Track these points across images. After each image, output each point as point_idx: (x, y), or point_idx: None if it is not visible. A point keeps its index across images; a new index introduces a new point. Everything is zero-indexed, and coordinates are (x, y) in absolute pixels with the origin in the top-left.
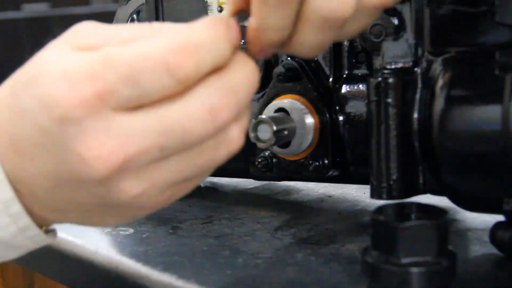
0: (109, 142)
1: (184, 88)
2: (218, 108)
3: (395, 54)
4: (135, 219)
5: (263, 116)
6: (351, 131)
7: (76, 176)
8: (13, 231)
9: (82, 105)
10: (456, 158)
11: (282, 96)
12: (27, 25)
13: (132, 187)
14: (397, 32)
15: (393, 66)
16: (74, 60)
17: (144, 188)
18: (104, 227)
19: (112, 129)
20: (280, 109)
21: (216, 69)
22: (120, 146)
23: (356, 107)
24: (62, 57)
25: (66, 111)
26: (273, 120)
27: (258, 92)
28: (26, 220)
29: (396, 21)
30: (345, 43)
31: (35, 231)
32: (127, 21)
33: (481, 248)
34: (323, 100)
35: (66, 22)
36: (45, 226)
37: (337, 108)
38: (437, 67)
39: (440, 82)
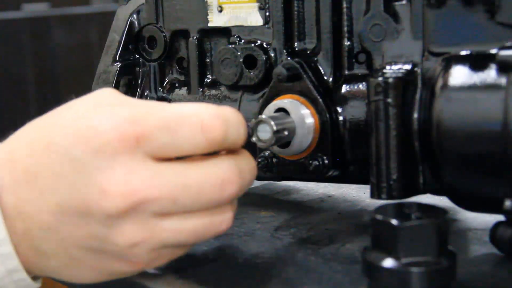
0: (134, 181)
1: (208, 150)
2: (228, 181)
3: (395, 54)
4: (114, 277)
5: (263, 116)
6: (351, 131)
7: (87, 209)
8: (0, 272)
9: (120, 142)
10: (456, 158)
11: (282, 96)
12: (27, 25)
13: (133, 233)
14: (397, 32)
15: (393, 66)
16: (120, 106)
17: (143, 237)
18: (81, 283)
19: (139, 171)
20: (280, 109)
21: (231, 150)
22: (143, 187)
23: (356, 107)
24: (103, 113)
25: (105, 143)
26: (273, 120)
27: (258, 92)
28: (15, 262)
29: (396, 21)
30: (345, 43)
31: (22, 274)
32: (127, 21)
33: (481, 248)
34: (323, 100)
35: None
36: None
37: (337, 108)
38: (437, 67)
39: (440, 82)
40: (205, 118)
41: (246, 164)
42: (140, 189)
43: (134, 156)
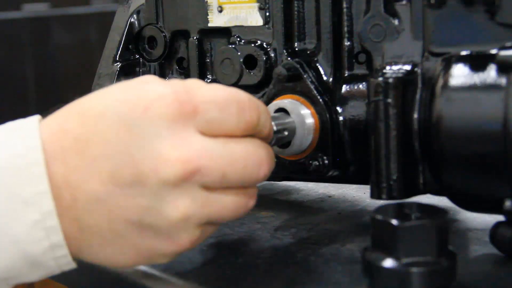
0: (192, 149)
1: (245, 132)
2: (265, 162)
3: (395, 54)
4: (152, 262)
5: None
6: (351, 131)
7: (142, 177)
8: (44, 247)
9: (179, 109)
10: (456, 158)
11: (282, 96)
12: (27, 25)
13: (186, 204)
14: (397, 32)
15: (393, 66)
16: (171, 81)
17: (194, 210)
18: (116, 267)
19: (193, 142)
20: (280, 109)
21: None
22: (197, 156)
23: (356, 107)
24: (157, 83)
25: (165, 109)
26: (273, 120)
27: (258, 92)
28: (59, 237)
29: (396, 21)
30: (345, 43)
31: (64, 251)
32: (127, 21)
33: (481, 248)
34: (323, 100)
35: (66, 22)
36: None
37: (337, 108)
38: (437, 67)
39: (440, 82)
40: (247, 101)
41: (271, 152)
42: (196, 158)
43: (188, 127)
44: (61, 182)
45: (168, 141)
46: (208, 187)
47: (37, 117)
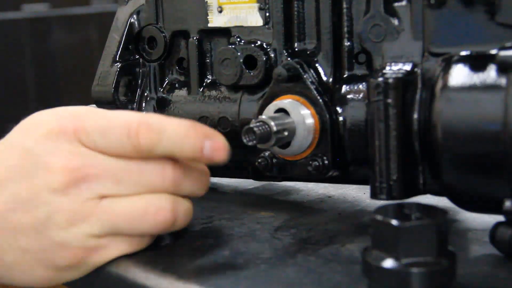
0: (75, 160)
1: (135, 155)
2: (165, 177)
3: (395, 54)
4: (62, 276)
5: (263, 116)
6: (351, 131)
7: (34, 189)
8: None
9: (61, 131)
10: (456, 158)
11: (282, 96)
12: (27, 25)
13: (72, 208)
14: (397, 32)
15: (393, 67)
16: (64, 108)
17: (81, 215)
18: (30, 285)
19: (79, 154)
20: (280, 110)
21: (172, 158)
22: (84, 165)
23: (356, 108)
24: (50, 112)
25: (48, 131)
26: (273, 120)
27: (258, 92)
28: None
29: (396, 22)
30: (345, 43)
31: None
32: (127, 22)
33: (481, 248)
34: (323, 100)
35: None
36: None
37: (337, 108)
38: (437, 67)
39: (440, 82)
40: (132, 126)
41: (185, 173)
42: (81, 167)
43: (74, 143)
44: None
45: (53, 155)
46: (105, 196)
47: None
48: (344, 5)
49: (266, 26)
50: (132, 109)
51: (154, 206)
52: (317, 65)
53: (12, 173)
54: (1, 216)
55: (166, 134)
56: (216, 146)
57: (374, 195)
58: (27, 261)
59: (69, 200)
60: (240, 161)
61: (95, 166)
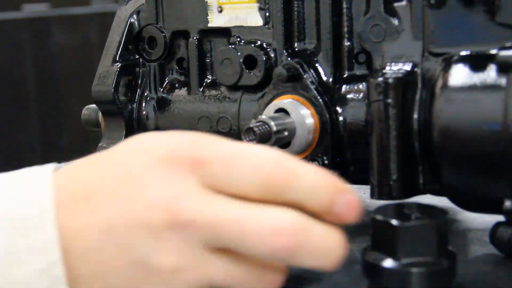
0: (182, 202)
1: (262, 197)
2: (283, 231)
3: (395, 54)
4: None
5: (263, 116)
6: (351, 131)
7: (134, 223)
8: None
9: (176, 161)
10: (456, 158)
11: (282, 96)
12: (27, 25)
13: (178, 255)
14: (397, 32)
15: (393, 67)
16: (178, 133)
17: (188, 264)
18: None
19: (189, 195)
20: (280, 109)
21: (301, 207)
22: (190, 210)
23: (356, 107)
24: (164, 135)
25: (161, 157)
26: (273, 120)
27: (258, 92)
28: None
29: (396, 21)
30: (345, 43)
31: None
32: (127, 22)
33: (481, 248)
34: (323, 100)
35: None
36: None
37: (337, 108)
38: (437, 67)
39: (440, 82)
40: (265, 162)
41: (320, 231)
42: (186, 212)
43: (187, 179)
44: (65, 230)
45: (159, 191)
46: (212, 248)
47: (51, 165)
48: (344, 5)
49: (266, 26)
50: (132, 109)
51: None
52: (317, 65)
53: (112, 198)
54: (93, 246)
55: (301, 178)
56: (350, 203)
57: (374, 195)
58: None
59: (173, 241)
60: None
61: (203, 213)
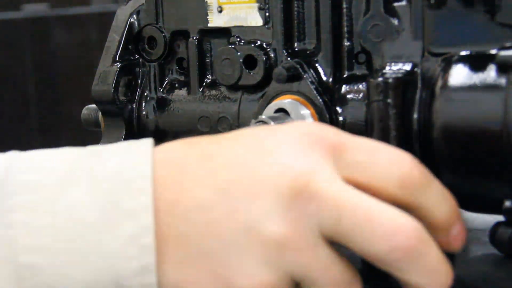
0: (313, 171)
1: (396, 192)
2: (404, 232)
3: (395, 54)
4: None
5: (263, 116)
6: (351, 132)
7: (259, 187)
8: (134, 268)
9: (320, 139)
10: (455, 158)
11: (282, 96)
12: (27, 25)
13: (286, 227)
14: (397, 32)
15: (393, 67)
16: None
17: (293, 235)
18: None
19: (327, 172)
20: (280, 109)
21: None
22: (319, 183)
23: (356, 108)
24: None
25: (304, 133)
26: (273, 120)
27: (258, 92)
28: (151, 259)
29: (396, 21)
30: (345, 43)
31: (152, 278)
32: (127, 22)
33: (481, 248)
34: (323, 100)
35: (66, 22)
36: None
37: (337, 108)
38: (437, 67)
39: (440, 82)
40: (407, 160)
41: (438, 250)
42: (317, 185)
43: (324, 159)
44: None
45: (298, 160)
46: (324, 232)
47: (150, 139)
48: (344, 5)
49: (266, 26)
50: (132, 108)
51: None
52: (317, 65)
53: (235, 161)
54: (201, 204)
55: (435, 185)
56: (463, 231)
57: None
58: (197, 272)
59: (290, 214)
60: None
61: (334, 190)
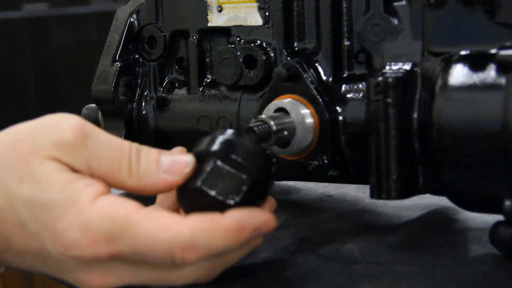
0: (109, 279)
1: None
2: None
3: (394, 54)
4: None
5: (263, 116)
6: (351, 131)
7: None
8: None
9: (95, 258)
10: (455, 158)
11: (282, 96)
12: (27, 25)
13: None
14: (397, 32)
15: (393, 66)
16: (96, 216)
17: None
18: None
19: (113, 271)
20: (280, 109)
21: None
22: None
23: (356, 107)
24: (82, 207)
25: (80, 256)
26: (273, 120)
27: (258, 92)
28: None
29: (395, 21)
30: (345, 43)
31: None
32: (126, 21)
33: (481, 248)
34: (323, 100)
35: (66, 22)
36: None
37: (337, 108)
38: (436, 67)
39: (440, 82)
40: (177, 252)
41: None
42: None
43: (107, 264)
44: None
45: (87, 275)
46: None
47: None
48: (344, 5)
49: (266, 25)
50: (132, 108)
51: None
52: (316, 64)
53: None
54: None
55: (211, 250)
56: None
57: (373, 194)
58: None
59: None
60: None
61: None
